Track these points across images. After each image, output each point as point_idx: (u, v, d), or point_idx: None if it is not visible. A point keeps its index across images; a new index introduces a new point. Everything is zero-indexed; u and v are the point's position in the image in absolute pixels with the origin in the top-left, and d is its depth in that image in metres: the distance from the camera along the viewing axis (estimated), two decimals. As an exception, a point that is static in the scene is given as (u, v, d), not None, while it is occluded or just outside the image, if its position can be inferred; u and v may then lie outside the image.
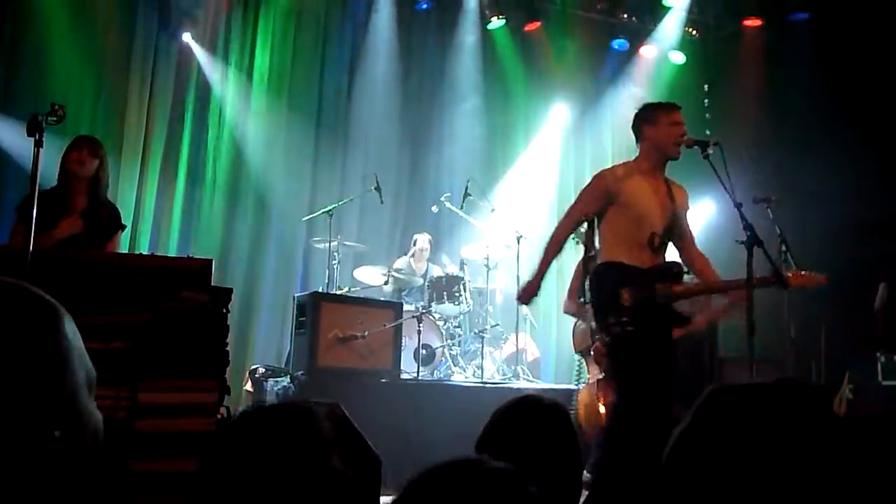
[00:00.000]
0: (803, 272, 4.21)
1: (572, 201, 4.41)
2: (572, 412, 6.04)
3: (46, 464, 0.94)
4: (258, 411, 1.51)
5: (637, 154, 4.32)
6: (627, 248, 4.12)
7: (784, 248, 4.71)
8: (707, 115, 9.49)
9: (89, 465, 1.00)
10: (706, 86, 9.60)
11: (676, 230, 4.25)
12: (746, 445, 1.02)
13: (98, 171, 4.65)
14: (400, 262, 7.95)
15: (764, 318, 4.95)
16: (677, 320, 4.16)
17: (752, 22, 9.27)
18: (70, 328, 1.03)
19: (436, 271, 7.87)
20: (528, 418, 2.10)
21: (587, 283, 4.22)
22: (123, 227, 4.84)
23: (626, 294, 4.01)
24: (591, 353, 5.93)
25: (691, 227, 4.44)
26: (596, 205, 4.20)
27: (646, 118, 4.25)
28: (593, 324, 4.43)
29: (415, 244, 8.07)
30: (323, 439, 1.42)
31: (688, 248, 4.36)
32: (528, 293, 4.24)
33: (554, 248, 4.23)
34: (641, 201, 4.15)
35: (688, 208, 4.37)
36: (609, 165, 4.55)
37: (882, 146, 7.52)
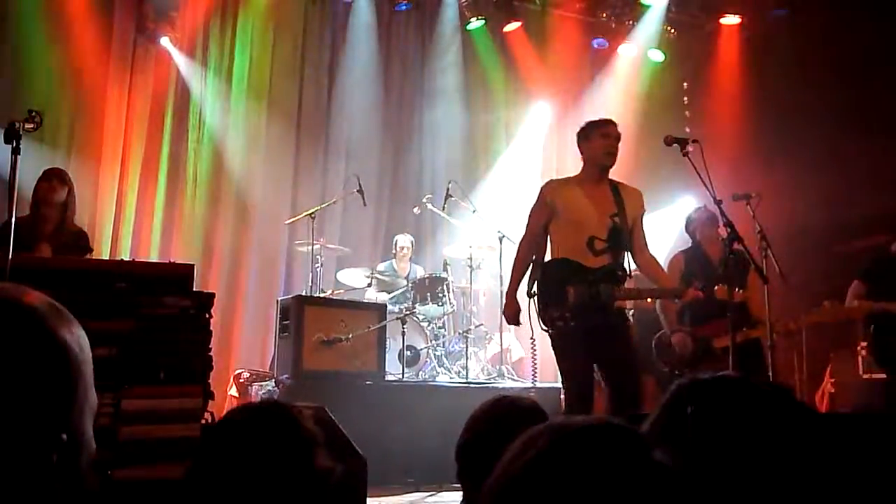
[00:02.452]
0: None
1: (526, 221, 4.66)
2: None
3: (43, 477, 0.95)
4: (242, 412, 1.51)
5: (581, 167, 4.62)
6: (571, 252, 4.38)
7: (764, 244, 4.75)
8: (686, 112, 9.55)
9: (80, 489, 1.01)
10: (685, 83, 9.66)
11: (627, 235, 4.42)
12: (716, 439, 1.01)
13: (67, 197, 4.96)
14: (383, 265, 7.95)
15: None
16: (618, 319, 4.40)
17: (731, 19, 9.34)
18: (88, 354, 1.06)
19: (419, 272, 7.87)
20: (505, 421, 2.10)
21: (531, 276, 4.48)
22: (90, 251, 5.07)
23: (573, 290, 4.26)
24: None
25: (649, 232, 4.67)
26: (543, 216, 4.52)
27: (582, 135, 4.57)
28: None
29: (396, 245, 8.08)
30: (306, 438, 1.42)
31: (639, 252, 4.57)
32: (510, 315, 4.55)
33: (520, 267, 4.54)
34: (576, 208, 4.42)
35: (642, 210, 4.59)
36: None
37: (862, 142, 7.58)
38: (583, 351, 4.26)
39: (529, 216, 4.60)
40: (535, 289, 4.41)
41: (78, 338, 1.03)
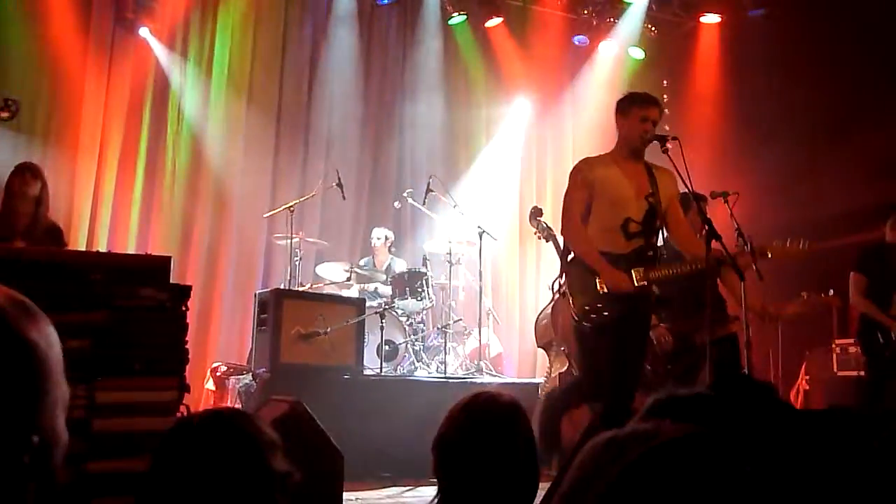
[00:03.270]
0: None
1: (563, 206, 4.31)
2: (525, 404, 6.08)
3: (16, 478, 0.93)
4: (196, 417, 1.53)
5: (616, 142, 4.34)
6: (604, 234, 4.14)
7: (741, 241, 4.77)
8: (666, 110, 9.56)
9: (52, 485, 0.99)
10: (665, 81, 9.70)
11: (663, 215, 4.22)
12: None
13: (41, 192, 4.87)
14: (363, 259, 7.94)
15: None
16: (656, 304, 4.22)
17: (711, 18, 9.41)
18: (57, 348, 1.03)
19: (399, 266, 7.87)
20: (483, 416, 2.10)
21: (560, 270, 4.25)
22: (65, 246, 5.03)
23: (602, 281, 4.05)
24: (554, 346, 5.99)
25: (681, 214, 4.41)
26: (583, 197, 4.19)
27: (621, 108, 4.26)
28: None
29: (372, 238, 8.07)
30: (259, 442, 1.43)
31: (675, 229, 4.34)
32: (621, 277, 4.07)
33: (588, 244, 4.15)
34: (613, 187, 4.17)
35: (676, 190, 4.34)
36: (572, 160, 4.56)
37: (839, 141, 7.65)
38: (616, 342, 4.01)
39: (569, 202, 4.24)
40: (563, 283, 4.17)
41: (46, 335, 1.00)
